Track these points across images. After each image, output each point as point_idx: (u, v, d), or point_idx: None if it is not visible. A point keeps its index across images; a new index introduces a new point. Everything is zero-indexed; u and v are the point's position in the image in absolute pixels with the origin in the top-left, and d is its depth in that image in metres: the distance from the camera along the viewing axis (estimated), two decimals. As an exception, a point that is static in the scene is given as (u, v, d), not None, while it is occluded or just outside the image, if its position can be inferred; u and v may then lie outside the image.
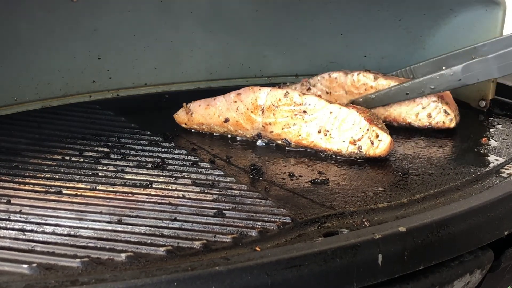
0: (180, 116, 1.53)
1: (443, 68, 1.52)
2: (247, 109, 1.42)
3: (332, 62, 2.03)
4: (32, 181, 1.17)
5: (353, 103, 1.58)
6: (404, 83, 1.55)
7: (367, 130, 1.34)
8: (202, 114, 1.49)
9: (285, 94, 1.39)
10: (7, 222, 1.00)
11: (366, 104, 1.56)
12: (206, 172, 1.27)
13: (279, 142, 1.42)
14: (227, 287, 0.82)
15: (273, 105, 1.40)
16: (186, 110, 1.49)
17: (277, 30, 1.90)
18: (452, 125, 1.57)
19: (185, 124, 1.53)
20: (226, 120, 1.46)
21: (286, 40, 1.93)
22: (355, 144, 1.35)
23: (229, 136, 1.50)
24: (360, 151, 1.35)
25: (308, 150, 1.41)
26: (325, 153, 1.39)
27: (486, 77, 1.46)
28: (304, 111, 1.38)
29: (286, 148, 1.43)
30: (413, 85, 1.53)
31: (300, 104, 1.38)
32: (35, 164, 1.25)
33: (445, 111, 1.56)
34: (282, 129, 1.40)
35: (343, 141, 1.36)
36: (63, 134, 1.44)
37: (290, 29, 1.92)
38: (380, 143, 1.35)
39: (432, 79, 1.49)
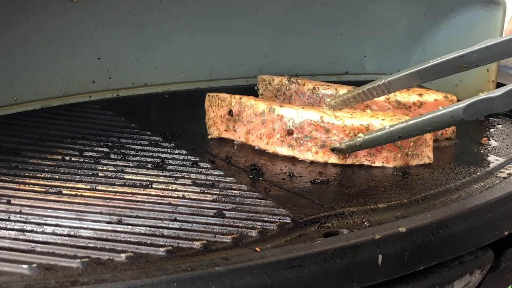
0: None
1: (420, 79, 1.34)
2: None
3: (332, 62, 2.03)
4: (32, 181, 1.17)
5: (333, 150, 1.38)
6: (396, 126, 1.28)
7: None
8: None
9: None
10: (7, 222, 0.99)
11: (351, 149, 1.35)
12: (206, 172, 1.27)
13: None
14: (227, 288, 0.82)
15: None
16: None
17: (277, 30, 1.90)
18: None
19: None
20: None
21: (286, 40, 1.93)
22: None
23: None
24: None
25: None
26: None
27: (490, 112, 1.28)
28: None
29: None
30: (407, 128, 1.28)
31: None
32: (35, 164, 1.25)
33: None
34: None
35: None
36: (63, 134, 1.44)
37: (290, 29, 1.92)
38: None
39: (429, 121, 1.26)
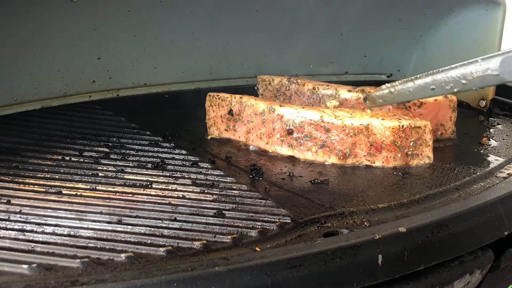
0: None
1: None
2: None
3: (332, 62, 2.03)
4: (32, 181, 1.17)
5: (365, 100, 1.46)
6: (429, 76, 1.28)
7: None
8: None
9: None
10: (7, 222, 0.99)
11: (383, 100, 1.40)
12: (206, 172, 1.27)
13: None
14: (227, 288, 0.82)
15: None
16: None
17: (277, 30, 1.90)
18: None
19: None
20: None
21: (286, 40, 1.93)
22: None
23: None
24: None
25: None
26: None
27: None
28: None
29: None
30: (440, 79, 1.25)
31: None
32: (35, 164, 1.25)
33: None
34: None
35: None
36: (63, 134, 1.44)
37: (290, 29, 1.92)
38: None
39: (465, 72, 1.20)
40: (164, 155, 1.35)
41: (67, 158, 1.30)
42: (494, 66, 1.16)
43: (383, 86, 1.41)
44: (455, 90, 1.25)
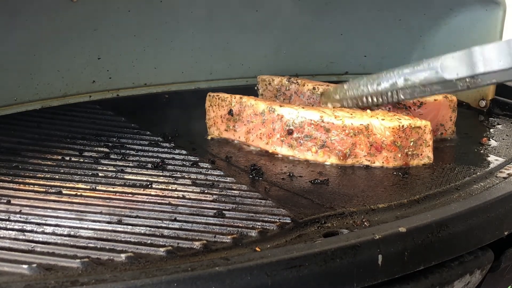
0: None
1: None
2: None
3: (332, 62, 2.03)
4: (32, 181, 1.17)
5: (321, 95, 1.51)
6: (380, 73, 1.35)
7: None
8: None
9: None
10: (7, 222, 0.99)
11: (339, 96, 1.44)
12: (206, 172, 1.27)
13: None
14: (227, 288, 0.82)
15: None
16: None
17: (277, 30, 1.90)
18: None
19: None
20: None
21: (286, 40, 1.93)
22: None
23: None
24: None
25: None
26: None
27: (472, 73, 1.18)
28: None
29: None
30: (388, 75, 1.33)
31: None
32: (35, 164, 1.25)
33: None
34: None
35: None
36: (63, 134, 1.44)
37: (290, 29, 1.91)
38: None
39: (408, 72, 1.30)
40: (164, 155, 1.35)
41: (67, 158, 1.30)
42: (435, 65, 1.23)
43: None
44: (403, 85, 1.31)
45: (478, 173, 1.32)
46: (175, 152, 1.38)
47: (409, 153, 1.37)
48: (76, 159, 1.30)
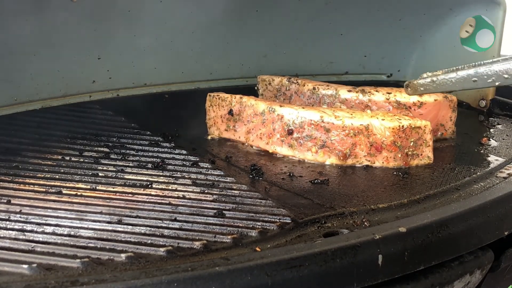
0: None
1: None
2: None
3: (332, 62, 2.03)
4: (32, 181, 1.17)
5: (407, 87, 1.45)
6: (472, 68, 1.31)
7: None
8: None
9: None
10: (7, 222, 0.99)
11: (424, 88, 1.42)
12: (206, 172, 1.27)
13: None
14: (227, 288, 0.82)
15: None
16: None
17: (277, 30, 1.90)
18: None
19: None
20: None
21: (286, 40, 1.93)
22: None
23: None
24: None
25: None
26: None
27: None
28: None
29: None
30: (481, 71, 1.29)
31: None
32: (35, 164, 1.25)
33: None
34: None
35: None
36: (63, 134, 1.44)
37: (290, 29, 1.91)
38: None
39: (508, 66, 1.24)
40: (164, 155, 1.35)
41: (67, 158, 1.30)
42: None
43: (424, 75, 1.42)
44: (497, 84, 1.28)
45: (478, 173, 1.32)
46: (175, 152, 1.38)
47: (409, 153, 1.38)
48: (76, 159, 1.30)
